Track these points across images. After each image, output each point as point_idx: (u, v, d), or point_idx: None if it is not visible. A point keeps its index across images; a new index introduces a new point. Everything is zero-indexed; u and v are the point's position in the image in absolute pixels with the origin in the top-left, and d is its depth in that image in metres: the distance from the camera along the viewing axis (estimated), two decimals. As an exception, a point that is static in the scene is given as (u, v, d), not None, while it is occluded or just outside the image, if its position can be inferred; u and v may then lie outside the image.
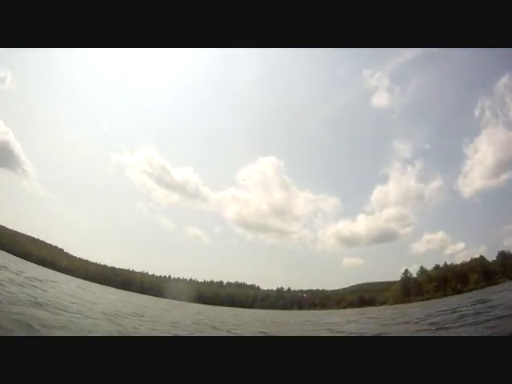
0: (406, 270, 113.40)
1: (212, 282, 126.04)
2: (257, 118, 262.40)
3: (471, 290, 77.02)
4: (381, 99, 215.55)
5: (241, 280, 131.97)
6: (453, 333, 7.49)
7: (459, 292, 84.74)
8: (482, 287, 77.47)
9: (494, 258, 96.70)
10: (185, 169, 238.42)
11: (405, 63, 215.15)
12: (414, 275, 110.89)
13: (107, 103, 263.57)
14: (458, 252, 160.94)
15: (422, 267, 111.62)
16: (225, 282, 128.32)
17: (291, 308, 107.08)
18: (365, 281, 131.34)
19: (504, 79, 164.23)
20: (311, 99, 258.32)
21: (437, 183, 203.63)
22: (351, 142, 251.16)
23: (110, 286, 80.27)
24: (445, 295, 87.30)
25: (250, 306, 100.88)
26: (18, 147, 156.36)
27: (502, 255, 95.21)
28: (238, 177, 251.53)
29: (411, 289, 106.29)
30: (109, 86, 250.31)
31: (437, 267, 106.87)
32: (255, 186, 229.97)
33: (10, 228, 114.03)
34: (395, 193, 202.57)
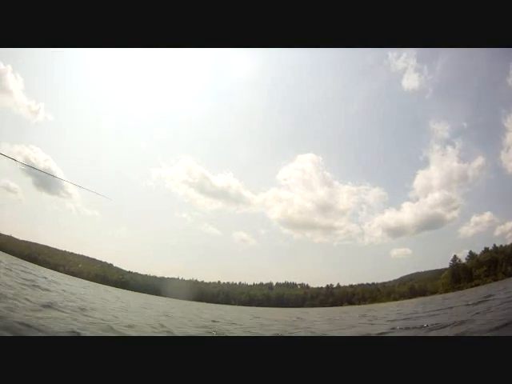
0: (455, 256, 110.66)
1: (261, 284, 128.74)
2: (290, 116, 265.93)
3: None
4: (411, 80, 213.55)
5: (290, 280, 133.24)
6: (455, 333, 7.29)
7: (510, 275, 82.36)
8: None
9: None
10: (225, 175, 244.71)
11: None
12: (464, 261, 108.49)
13: (142, 120, 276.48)
14: (508, 232, 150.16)
15: (470, 252, 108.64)
16: (274, 283, 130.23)
17: (341, 304, 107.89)
18: (414, 271, 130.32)
19: None
20: (340, 91, 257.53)
21: (479, 161, 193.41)
22: (386, 129, 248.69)
23: (160, 295, 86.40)
24: (495, 280, 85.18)
25: (300, 306, 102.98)
26: (59, 171, 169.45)
27: None
28: (278, 177, 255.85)
29: (461, 275, 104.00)
30: (141, 104, 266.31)
31: (486, 250, 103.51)
32: (297, 185, 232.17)
33: (62, 249, 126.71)
34: (438, 176, 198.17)
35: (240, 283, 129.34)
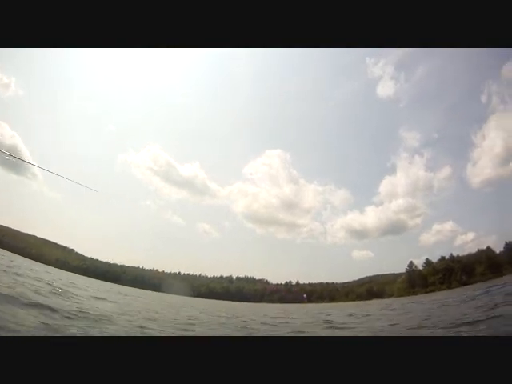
0: (411, 262, 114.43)
1: (222, 277, 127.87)
2: (261, 110, 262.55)
3: (476, 282, 77.43)
4: (386, 88, 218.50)
5: (250, 274, 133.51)
6: (452, 332, 7.46)
7: (465, 284, 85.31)
8: (489, 279, 76.98)
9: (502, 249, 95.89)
10: (191, 165, 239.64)
11: (409, 50, 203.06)
12: (420, 267, 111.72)
13: (112, 103, 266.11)
14: (468, 242, 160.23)
15: (427, 259, 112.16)
16: (234, 277, 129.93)
17: (300, 302, 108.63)
18: (374, 273, 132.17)
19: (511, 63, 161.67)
20: (315, 91, 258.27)
21: (446, 172, 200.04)
22: (357, 133, 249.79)
23: (121, 283, 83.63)
24: (449, 287, 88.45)
25: (259, 301, 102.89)
26: (25, 151, 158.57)
27: (510, 246, 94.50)
28: (245, 171, 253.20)
29: (416, 281, 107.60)
30: (112, 86, 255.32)
31: (442, 259, 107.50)
32: (263, 180, 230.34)
33: (23, 231, 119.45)
34: (404, 183, 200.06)
35: (200, 275, 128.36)
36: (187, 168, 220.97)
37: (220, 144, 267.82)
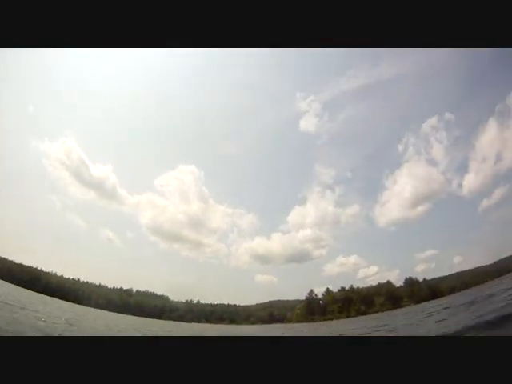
0: (312, 290, 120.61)
1: (121, 289, 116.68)
2: (183, 126, 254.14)
3: (376, 312, 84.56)
4: (309, 123, 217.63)
5: (151, 289, 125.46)
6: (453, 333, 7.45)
7: (364, 313, 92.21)
8: (388, 309, 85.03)
9: (402, 284, 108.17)
10: (104, 166, 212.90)
11: (339, 92, 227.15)
12: (320, 296, 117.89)
13: (36, 83, 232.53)
14: (371, 276, 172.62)
15: (327, 288, 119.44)
16: (134, 290, 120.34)
17: (199, 321, 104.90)
18: (276, 298, 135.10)
19: (432, 120, 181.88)
20: (238, 114, 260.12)
21: (354, 210, 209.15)
22: (274, 161, 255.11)
23: (13, 283, 69.86)
24: (348, 316, 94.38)
25: (159, 317, 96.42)
26: None
27: (410, 281, 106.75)
28: (156, 182, 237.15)
29: (315, 308, 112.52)
30: (36, 65, 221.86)
31: (342, 289, 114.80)
32: (173, 194, 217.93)
33: None
34: (313, 215, 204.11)
35: (100, 284, 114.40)
36: (99, 169, 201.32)
37: (136, 150, 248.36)
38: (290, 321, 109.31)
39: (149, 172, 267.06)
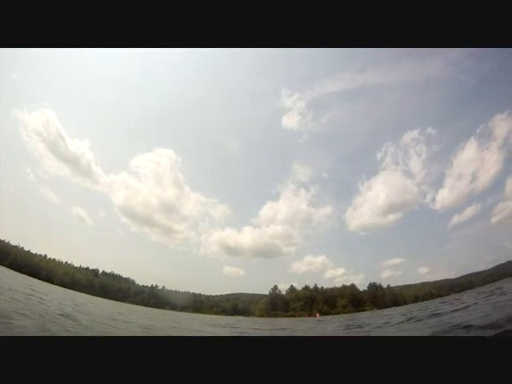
0: (275, 286, 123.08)
1: (88, 268, 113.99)
2: (164, 109, 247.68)
3: (338, 314, 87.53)
4: (291, 121, 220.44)
5: (117, 271, 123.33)
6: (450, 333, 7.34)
7: (326, 314, 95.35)
8: (350, 312, 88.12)
9: (366, 288, 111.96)
10: (81, 142, 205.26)
11: (325, 93, 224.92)
12: (284, 292, 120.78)
13: (20, 50, 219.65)
14: (337, 277, 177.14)
15: (292, 286, 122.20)
16: (101, 271, 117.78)
17: (163, 307, 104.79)
18: (242, 291, 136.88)
19: (413, 133, 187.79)
20: (222, 104, 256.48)
21: (327, 210, 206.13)
22: (252, 154, 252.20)
23: None
24: (310, 315, 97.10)
25: (123, 300, 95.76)
26: None
27: (374, 286, 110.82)
28: (132, 163, 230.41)
29: (278, 304, 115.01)
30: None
31: (306, 288, 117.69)
32: (148, 177, 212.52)
33: None
34: (285, 212, 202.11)
35: (67, 263, 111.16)
36: (76, 144, 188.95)
37: (115, 128, 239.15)
38: (252, 314, 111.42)
39: (126, 152, 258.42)
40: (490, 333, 5.74)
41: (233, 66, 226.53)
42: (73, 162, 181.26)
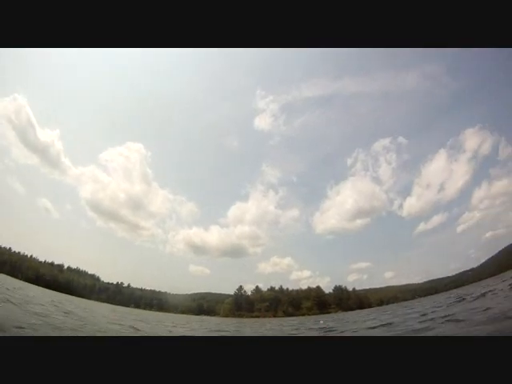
0: (241, 286, 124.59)
1: (53, 263, 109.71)
2: (138, 102, 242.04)
3: (303, 315, 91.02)
4: (263, 122, 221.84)
5: (83, 267, 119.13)
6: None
7: (290, 315, 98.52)
8: (315, 314, 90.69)
9: (331, 291, 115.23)
10: (52, 131, 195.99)
11: (299, 98, 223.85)
12: (249, 293, 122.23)
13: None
14: (303, 279, 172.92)
15: (257, 286, 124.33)
16: (66, 266, 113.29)
17: (128, 305, 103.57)
18: (208, 290, 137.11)
19: (384, 141, 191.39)
20: (196, 100, 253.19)
21: (294, 213, 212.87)
22: (223, 154, 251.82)
23: None
24: (275, 316, 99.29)
25: (87, 297, 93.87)
26: None
27: (339, 289, 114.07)
28: (101, 156, 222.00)
29: (243, 305, 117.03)
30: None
31: (271, 289, 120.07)
32: (116, 171, 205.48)
33: None
34: (253, 213, 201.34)
35: (31, 256, 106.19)
36: (46, 133, 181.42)
37: (86, 120, 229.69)
38: (217, 314, 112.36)
39: (96, 144, 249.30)
40: (478, 333, 5.83)
41: (208, 63, 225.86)
42: (42, 151, 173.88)
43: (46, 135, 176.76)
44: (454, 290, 58.86)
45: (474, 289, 34.04)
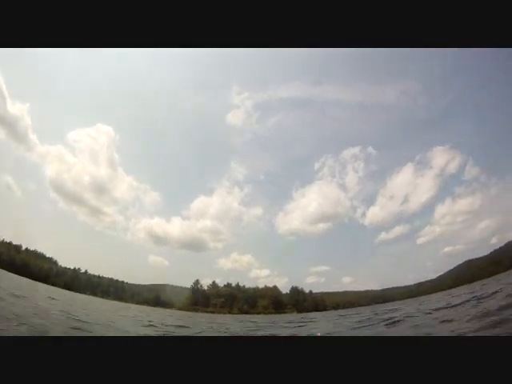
0: (197, 280, 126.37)
1: (11, 243, 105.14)
2: (111, 86, 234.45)
3: (258, 314, 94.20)
4: (236, 118, 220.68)
5: (41, 249, 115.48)
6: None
7: (246, 312, 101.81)
8: (271, 313, 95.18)
9: (288, 291, 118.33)
10: (22, 105, 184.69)
11: (275, 98, 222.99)
12: (205, 287, 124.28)
13: None
14: (262, 278, 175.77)
15: (214, 282, 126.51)
16: (24, 247, 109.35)
17: (84, 292, 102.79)
18: (166, 282, 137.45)
19: (354, 149, 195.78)
20: (170, 89, 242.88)
21: (258, 211, 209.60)
22: (191, 145, 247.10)
23: None
24: (230, 312, 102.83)
25: (44, 281, 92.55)
26: None
27: (296, 290, 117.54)
28: (69, 135, 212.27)
29: (200, 299, 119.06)
30: None
31: (228, 285, 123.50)
32: (83, 152, 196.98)
33: None
34: (216, 207, 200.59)
35: None
36: (16, 106, 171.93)
37: (57, 95, 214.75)
38: (173, 307, 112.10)
39: (65, 122, 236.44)
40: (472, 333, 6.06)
41: (187, 57, 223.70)
42: (9, 125, 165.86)
43: (16, 108, 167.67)
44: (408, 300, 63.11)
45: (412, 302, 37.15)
